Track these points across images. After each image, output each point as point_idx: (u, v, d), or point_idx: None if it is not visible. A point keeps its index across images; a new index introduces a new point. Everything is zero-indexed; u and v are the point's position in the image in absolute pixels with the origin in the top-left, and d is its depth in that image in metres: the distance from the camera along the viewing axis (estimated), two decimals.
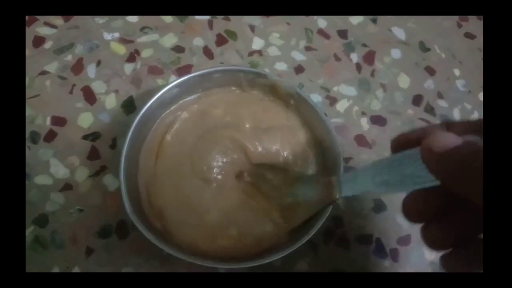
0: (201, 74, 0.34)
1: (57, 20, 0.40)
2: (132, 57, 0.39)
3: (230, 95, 0.35)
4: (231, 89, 0.35)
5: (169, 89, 0.33)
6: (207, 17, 0.42)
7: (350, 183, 0.27)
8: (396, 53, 0.43)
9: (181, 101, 0.34)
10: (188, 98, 0.35)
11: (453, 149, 0.21)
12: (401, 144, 0.25)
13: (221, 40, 0.41)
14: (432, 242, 0.23)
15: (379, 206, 0.36)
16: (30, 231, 0.32)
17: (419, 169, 0.22)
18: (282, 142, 0.33)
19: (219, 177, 0.32)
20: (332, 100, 0.39)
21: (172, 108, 0.34)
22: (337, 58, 0.42)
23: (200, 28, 0.41)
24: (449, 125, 0.24)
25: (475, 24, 0.46)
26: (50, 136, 0.35)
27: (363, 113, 0.39)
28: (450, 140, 0.21)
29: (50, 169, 0.34)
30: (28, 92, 0.37)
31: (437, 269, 0.34)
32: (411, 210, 0.24)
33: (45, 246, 0.32)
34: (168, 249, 0.28)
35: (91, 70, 0.38)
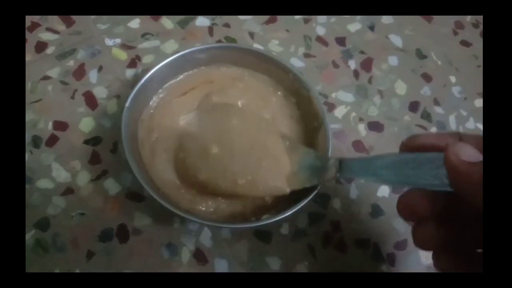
0: (247, 50, 0.36)
1: (59, 25, 0.41)
2: (133, 63, 0.40)
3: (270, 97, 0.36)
4: (279, 94, 0.36)
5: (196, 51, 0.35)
6: (207, 23, 0.42)
7: (355, 167, 0.28)
8: (393, 60, 0.43)
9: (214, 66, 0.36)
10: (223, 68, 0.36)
11: (478, 163, 0.21)
12: (413, 147, 0.26)
13: None
14: (422, 241, 0.24)
15: (376, 211, 0.36)
16: (31, 234, 0.33)
17: (433, 174, 0.23)
18: None
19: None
20: (330, 106, 0.40)
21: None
22: (335, 65, 0.42)
23: (200, 35, 0.42)
24: (462, 137, 0.25)
25: (471, 31, 0.47)
26: (52, 140, 0.36)
27: (361, 119, 0.40)
28: (475, 154, 0.22)
29: (52, 173, 0.34)
30: (30, 97, 0.37)
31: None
32: (406, 209, 0.25)
33: (46, 250, 0.32)
34: (171, 207, 0.29)
35: (92, 75, 0.39)
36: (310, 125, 0.35)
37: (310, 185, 0.31)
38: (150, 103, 0.34)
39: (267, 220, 0.30)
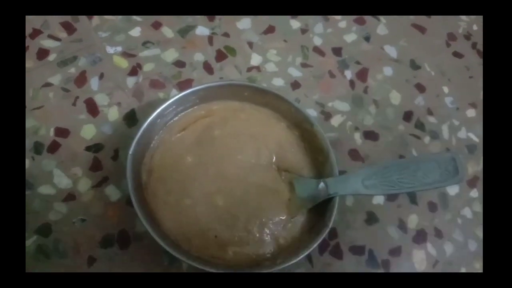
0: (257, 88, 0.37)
1: (61, 33, 0.41)
2: (134, 71, 0.40)
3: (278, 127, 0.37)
4: (282, 125, 0.37)
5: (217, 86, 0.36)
6: (207, 33, 0.43)
7: (340, 184, 0.32)
8: (388, 71, 0.45)
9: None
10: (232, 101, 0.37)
11: None
12: None
13: (220, 56, 0.42)
14: None
15: (372, 219, 0.37)
16: (33, 240, 0.33)
17: (404, 176, 0.30)
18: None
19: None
20: (327, 115, 0.41)
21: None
22: (332, 75, 0.43)
23: (200, 44, 0.43)
24: None
25: (463, 43, 0.48)
26: (54, 147, 0.36)
27: (356, 128, 0.41)
28: None
29: (53, 179, 0.35)
30: (32, 104, 0.37)
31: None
32: None
33: (48, 256, 0.33)
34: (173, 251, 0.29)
35: (94, 82, 0.39)
36: (315, 158, 0.36)
37: (306, 208, 0.33)
38: (152, 145, 0.34)
39: (282, 265, 0.30)
